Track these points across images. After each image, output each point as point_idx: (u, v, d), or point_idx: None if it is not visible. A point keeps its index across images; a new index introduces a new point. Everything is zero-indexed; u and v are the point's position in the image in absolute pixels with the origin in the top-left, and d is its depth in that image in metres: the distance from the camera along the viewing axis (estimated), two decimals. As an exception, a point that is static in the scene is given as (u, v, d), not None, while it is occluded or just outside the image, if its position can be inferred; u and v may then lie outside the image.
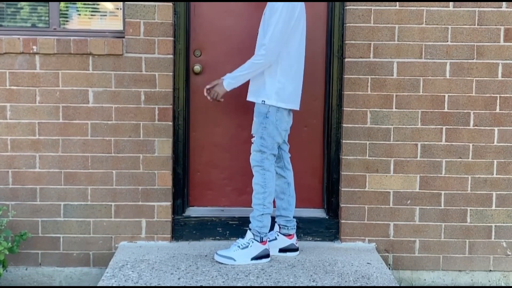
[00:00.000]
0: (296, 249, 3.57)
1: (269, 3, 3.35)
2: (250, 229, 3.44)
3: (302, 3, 3.36)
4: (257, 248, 3.41)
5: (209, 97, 3.45)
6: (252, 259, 3.40)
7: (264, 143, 3.38)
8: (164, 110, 3.70)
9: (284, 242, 3.55)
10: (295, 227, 3.59)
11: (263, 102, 3.35)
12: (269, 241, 3.54)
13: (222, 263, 3.39)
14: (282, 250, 3.54)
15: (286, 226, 3.56)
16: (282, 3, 3.25)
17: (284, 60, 3.32)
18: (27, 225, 3.72)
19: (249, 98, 3.48)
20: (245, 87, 3.85)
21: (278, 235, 3.57)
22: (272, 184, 3.41)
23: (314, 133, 3.92)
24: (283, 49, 3.30)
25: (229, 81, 3.38)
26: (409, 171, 3.75)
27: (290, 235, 3.56)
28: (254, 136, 3.46)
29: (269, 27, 3.27)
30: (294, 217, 3.59)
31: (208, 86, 3.45)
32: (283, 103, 3.34)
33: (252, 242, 3.41)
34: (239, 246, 3.43)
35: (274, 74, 3.34)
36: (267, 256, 3.44)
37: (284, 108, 3.36)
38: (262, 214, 3.40)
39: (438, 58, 3.70)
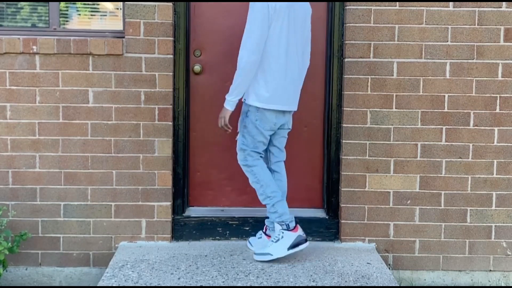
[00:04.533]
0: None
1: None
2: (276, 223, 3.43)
3: (283, 3, 3.25)
4: (290, 237, 3.37)
5: (225, 129, 3.39)
6: (289, 248, 3.36)
7: (244, 141, 3.39)
8: (164, 110, 3.71)
9: (266, 242, 3.54)
10: None
11: (244, 100, 3.37)
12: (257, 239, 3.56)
13: (262, 261, 3.40)
14: None
15: (270, 227, 3.54)
16: (254, 3, 3.21)
17: (263, 60, 3.26)
18: (27, 225, 3.72)
19: None
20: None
21: (261, 235, 3.58)
22: (264, 176, 3.38)
23: (314, 133, 3.92)
24: (264, 49, 3.26)
25: (228, 99, 3.32)
26: (409, 171, 3.75)
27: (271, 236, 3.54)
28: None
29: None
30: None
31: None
32: (261, 103, 3.28)
33: (283, 232, 3.37)
34: (272, 241, 3.41)
35: (255, 74, 3.30)
36: (304, 241, 3.38)
37: (264, 108, 3.29)
38: (273, 205, 3.39)
39: (438, 58, 3.70)
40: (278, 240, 3.38)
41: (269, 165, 3.54)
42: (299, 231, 3.39)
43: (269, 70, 3.27)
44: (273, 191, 3.38)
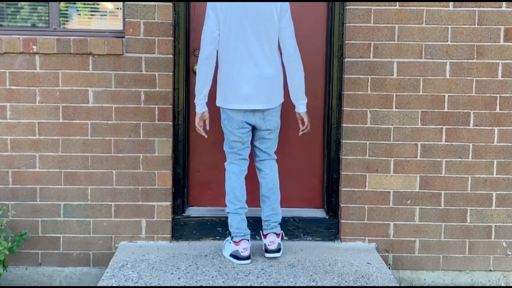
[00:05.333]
0: (269, 251, 3.44)
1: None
2: None
3: (232, 2, 3.25)
4: (231, 247, 3.44)
5: (199, 132, 3.47)
6: (230, 255, 3.44)
7: (224, 142, 3.50)
8: (164, 110, 3.71)
9: (263, 240, 3.54)
10: (269, 228, 3.46)
11: None
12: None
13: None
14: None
15: (263, 226, 3.53)
16: (207, 3, 3.29)
17: (220, 60, 3.33)
18: (27, 225, 3.72)
19: None
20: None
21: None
22: (228, 184, 3.43)
23: (314, 133, 3.91)
24: (219, 49, 3.32)
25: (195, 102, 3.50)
26: (409, 171, 3.75)
27: (264, 235, 3.51)
28: None
29: None
30: (286, 218, 3.60)
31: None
32: (221, 102, 3.37)
33: (229, 239, 3.50)
34: (227, 241, 3.52)
35: (218, 75, 3.40)
36: (240, 259, 3.38)
37: (222, 107, 3.37)
38: (227, 213, 3.46)
39: (438, 58, 3.70)
40: (227, 243, 3.51)
41: (255, 163, 3.53)
42: (239, 247, 3.39)
43: (224, 69, 3.32)
44: (229, 200, 3.43)
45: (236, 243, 3.40)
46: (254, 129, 3.43)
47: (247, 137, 3.42)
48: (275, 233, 3.48)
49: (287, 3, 3.35)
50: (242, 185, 3.43)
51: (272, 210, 3.48)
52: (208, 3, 3.29)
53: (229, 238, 3.51)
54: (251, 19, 3.25)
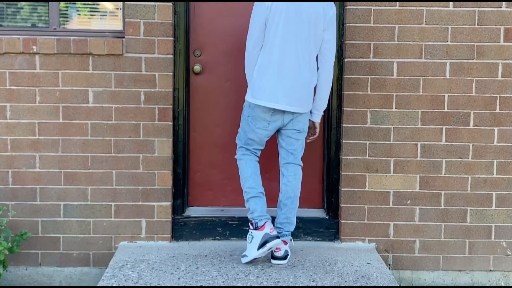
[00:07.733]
0: (275, 257, 3.39)
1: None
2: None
3: (281, 3, 3.26)
4: (257, 237, 3.30)
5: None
6: (258, 248, 3.29)
7: (238, 135, 3.46)
8: (164, 110, 3.71)
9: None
10: (282, 235, 3.42)
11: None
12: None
13: (244, 263, 3.39)
14: None
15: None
16: (255, 2, 3.31)
17: (260, 56, 3.31)
18: (27, 225, 3.72)
19: None
20: (244, 87, 3.86)
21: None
22: (246, 170, 3.39)
23: (314, 133, 3.92)
24: (262, 46, 3.32)
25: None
26: (409, 171, 3.75)
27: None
28: None
29: None
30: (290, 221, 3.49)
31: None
32: (253, 98, 3.31)
33: (251, 232, 3.33)
34: (248, 242, 3.37)
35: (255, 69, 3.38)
36: (272, 238, 3.27)
37: (255, 104, 3.30)
38: (247, 201, 3.39)
39: (438, 58, 3.70)
40: (251, 240, 3.35)
41: (280, 167, 3.48)
42: (266, 229, 3.28)
43: (262, 66, 3.29)
44: (249, 186, 3.37)
45: (262, 227, 3.28)
46: (280, 129, 3.39)
47: (266, 137, 3.40)
48: (283, 240, 3.42)
49: (335, 16, 3.33)
50: (259, 173, 3.42)
51: (287, 219, 3.43)
52: (257, 2, 3.29)
53: (250, 237, 3.35)
54: (297, 23, 3.26)
